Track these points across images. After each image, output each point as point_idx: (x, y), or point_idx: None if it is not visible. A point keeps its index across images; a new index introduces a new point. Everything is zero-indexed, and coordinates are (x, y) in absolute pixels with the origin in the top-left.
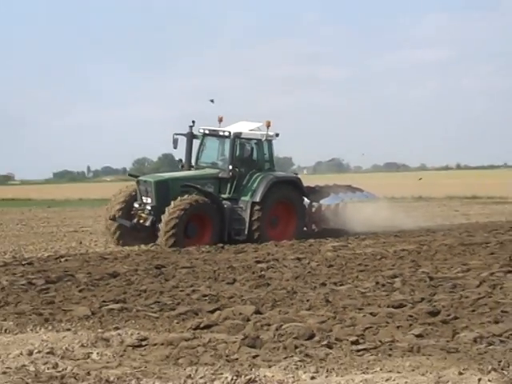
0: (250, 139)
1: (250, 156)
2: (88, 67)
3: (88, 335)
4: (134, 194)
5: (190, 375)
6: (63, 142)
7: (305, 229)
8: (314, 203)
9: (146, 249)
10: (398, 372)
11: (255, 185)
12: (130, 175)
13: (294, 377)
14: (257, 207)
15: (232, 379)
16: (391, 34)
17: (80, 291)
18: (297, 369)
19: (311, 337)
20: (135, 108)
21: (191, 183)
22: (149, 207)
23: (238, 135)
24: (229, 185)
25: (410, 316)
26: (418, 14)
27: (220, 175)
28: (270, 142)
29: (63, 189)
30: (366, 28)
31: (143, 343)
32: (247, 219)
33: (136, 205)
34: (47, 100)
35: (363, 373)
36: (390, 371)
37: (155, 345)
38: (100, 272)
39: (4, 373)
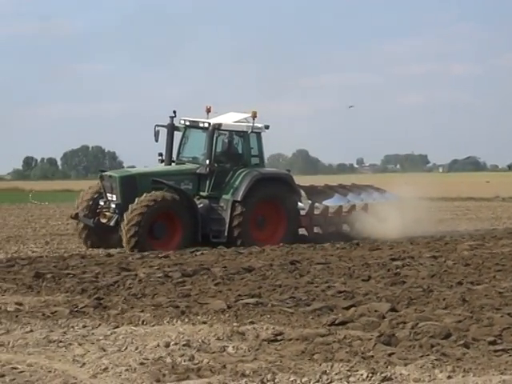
0: (233, 131)
1: (232, 150)
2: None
3: (224, 329)
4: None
5: (326, 371)
6: None
7: (306, 233)
8: (317, 204)
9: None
10: None
11: (237, 182)
12: (101, 170)
13: (430, 375)
14: (238, 207)
15: (367, 376)
16: None
17: (216, 285)
18: (433, 368)
19: (448, 336)
20: (277, 105)
21: (161, 179)
22: (113, 205)
23: (217, 127)
24: (208, 181)
25: None
26: None
27: (198, 171)
28: (258, 134)
29: None
30: (499, 25)
31: (278, 338)
32: (227, 220)
33: (101, 203)
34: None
35: (501, 373)
36: None
37: (290, 340)
38: (235, 266)
39: (141, 364)
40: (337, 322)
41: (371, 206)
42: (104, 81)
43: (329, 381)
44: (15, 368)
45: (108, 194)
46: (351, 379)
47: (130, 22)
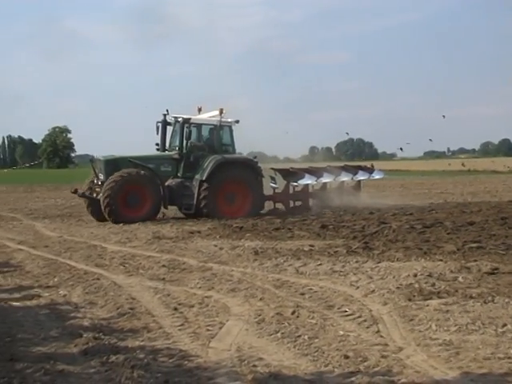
0: (203, 125)
1: (202, 140)
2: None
3: (455, 264)
4: None
5: None
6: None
7: (283, 207)
8: (292, 183)
9: (492, 204)
10: None
11: (205, 165)
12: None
13: None
14: (204, 185)
15: None
16: None
17: (447, 234)
18: None
19: None
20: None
21: (136, 160)
22: (100, 183)
23: (186, 121)
24: (182, 165)
25: None
26: None
27: (173, 156)
28: (229, 128)
29: (429, 164)
30: None
31: (495, 271)
32: (196, 195)
33: (95, 181)
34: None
35: None
36: None
37: (504, 273)
38: (461, 221)
39: (398, 288)
40: None
41: (362, 183)
42: None
43: None
44: (311, 289)
45: (99, 174)
46: None
47: None
